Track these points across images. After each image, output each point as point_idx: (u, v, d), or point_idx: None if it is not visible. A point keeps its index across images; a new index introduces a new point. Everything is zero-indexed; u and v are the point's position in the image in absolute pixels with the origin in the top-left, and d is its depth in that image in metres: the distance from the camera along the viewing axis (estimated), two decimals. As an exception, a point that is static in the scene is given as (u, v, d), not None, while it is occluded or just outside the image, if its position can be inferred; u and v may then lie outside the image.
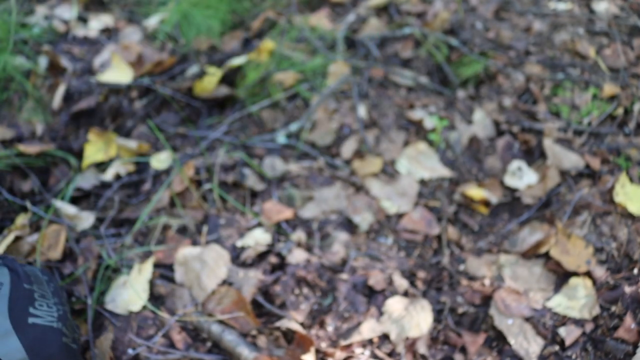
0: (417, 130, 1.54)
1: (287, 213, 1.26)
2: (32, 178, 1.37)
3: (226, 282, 1.12)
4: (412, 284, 1.19)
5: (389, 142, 1.49)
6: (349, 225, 1.29)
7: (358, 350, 1.03)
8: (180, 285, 1.12)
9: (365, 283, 1.15)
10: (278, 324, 1.04)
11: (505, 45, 1.77)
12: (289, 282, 1.12)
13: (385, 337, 1.07)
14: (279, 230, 1.24)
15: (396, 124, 1.54)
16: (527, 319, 1.09)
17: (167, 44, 1.79)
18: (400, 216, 1.32)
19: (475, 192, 1.37)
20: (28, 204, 1.22)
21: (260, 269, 1.15)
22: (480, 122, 1.54)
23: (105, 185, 1.39)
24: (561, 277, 1.17)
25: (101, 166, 1.44)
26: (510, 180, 1.41)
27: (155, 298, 1.11)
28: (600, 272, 1.14)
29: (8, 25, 1.50)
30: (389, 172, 1.41)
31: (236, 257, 1.18)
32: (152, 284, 1.12)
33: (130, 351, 1.01)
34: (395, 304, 1.10)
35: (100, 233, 1.23)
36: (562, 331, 1.06)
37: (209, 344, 1.04)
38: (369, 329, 1.06)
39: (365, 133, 1.50)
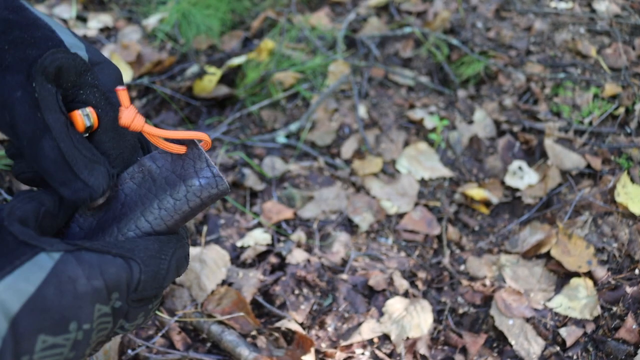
0: (418, 130, 1.54)
1: (287, 213, 1.26)
2: (31, 178, 1.36)
3: (226, 283, 1.11)
4: (413, 284, 1.18)
5: (389, 142, 1.48)
6: (349, 225, 1.29)
7: (358, 351, 1.03)
8: (179, 285, 1.12)
9: (365, 283, 1.15)
10: (278, 324, 1.03)
11: (506, 44, 1.77)
12: (289, 282, 1.12)
13: (385, 338, 1.06)
14: (279, 231, 1.24)
15: (396, 123, 1.54)
16: (528, 320, 1.09)
17: (166, 43, 1.79)
18: (400, 216, 1.32)
19: (475, 192, 1.37)
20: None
21: (260, 269, 1.14)
22: (481, 122, 1.54)
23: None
24: (562, 277, 1.17)
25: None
26: (510, 180, 1.41)
27: (155, 298, 1.11)
28: (601, 273, 1.14)
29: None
30: (389, 172, 1.41)
31: (236, 257, 1.18)
32: (151, 284, 1.11)
33: (129, 351, 1.00)
34: (395, 305, 1.10)
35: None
36: (563, 332, 1.05)
37: (208, 345, 1.03)
38: (369, 329, 1.06)
39: (365, 133, 1.49)
